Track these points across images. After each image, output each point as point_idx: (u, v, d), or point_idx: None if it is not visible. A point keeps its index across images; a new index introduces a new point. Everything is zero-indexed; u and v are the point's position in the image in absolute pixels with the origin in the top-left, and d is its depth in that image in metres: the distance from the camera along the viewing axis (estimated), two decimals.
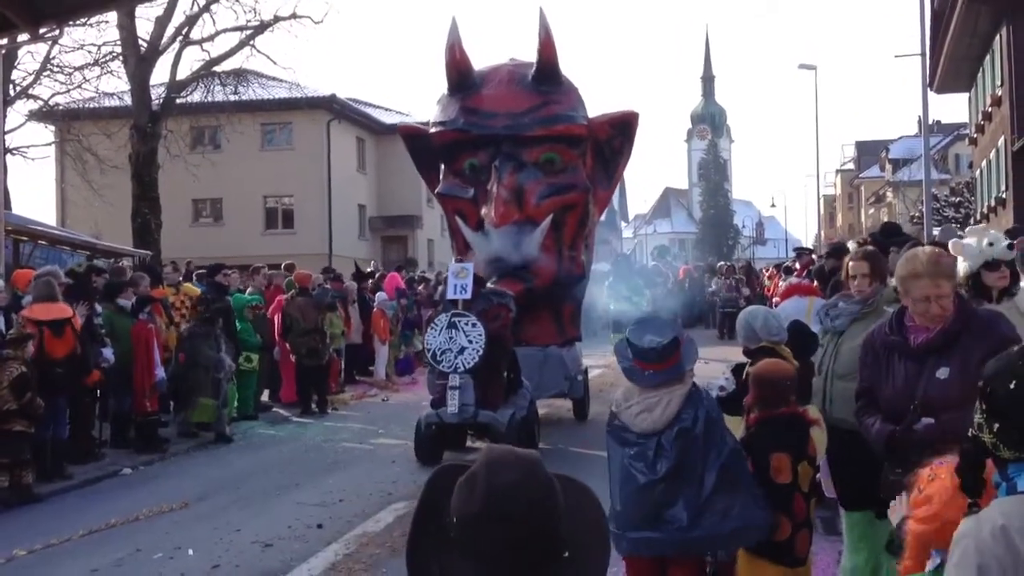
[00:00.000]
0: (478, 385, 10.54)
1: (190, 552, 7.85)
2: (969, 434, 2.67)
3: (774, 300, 18.95)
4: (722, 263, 34.96)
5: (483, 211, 12.38)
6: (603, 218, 16.15)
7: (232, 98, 27.68)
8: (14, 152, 25.26)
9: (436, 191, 13.46)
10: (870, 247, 6.93)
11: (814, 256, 18.28)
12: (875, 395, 4.60)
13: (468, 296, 10.91)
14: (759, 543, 4.82)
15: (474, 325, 10.53)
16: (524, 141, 12.44)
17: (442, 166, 13.28)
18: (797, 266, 18.96)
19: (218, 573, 7.32)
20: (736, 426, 5.29)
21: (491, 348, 10.58)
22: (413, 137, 13.97)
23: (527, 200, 12.28)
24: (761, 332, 6.01)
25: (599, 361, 18.73)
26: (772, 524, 4.81)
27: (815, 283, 10.36)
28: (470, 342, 10.48)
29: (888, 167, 59.01)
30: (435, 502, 2.03)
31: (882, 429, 4.45)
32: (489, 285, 11.49)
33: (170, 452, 12.13)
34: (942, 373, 4.26)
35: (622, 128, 13.39)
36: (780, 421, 4.98)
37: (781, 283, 21.81)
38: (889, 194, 56.01)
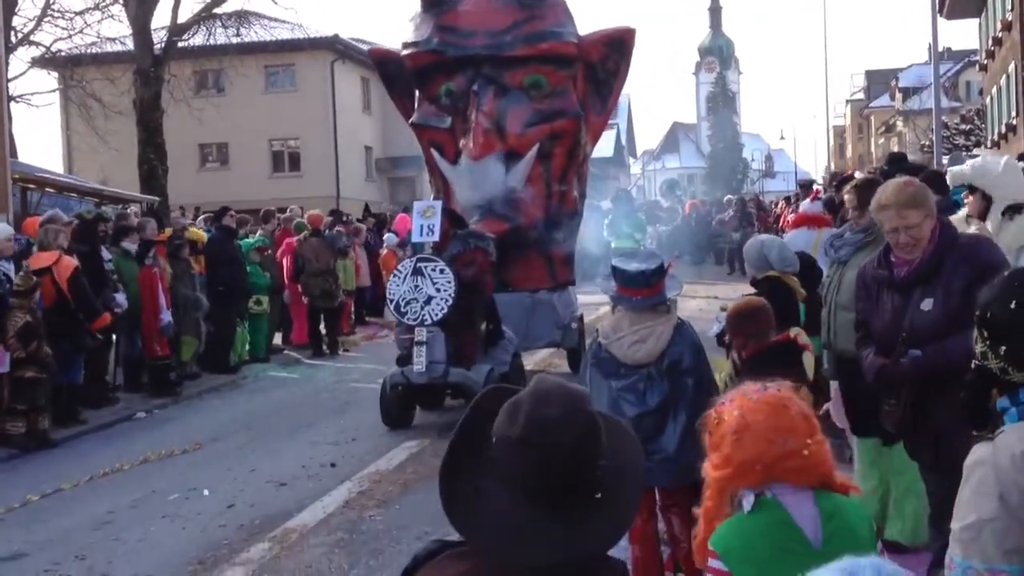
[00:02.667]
0: (450, 339, 9.42)
1: (205, 492, 7.96)
2: (972, 365, 2.65)
3: (781, 231, 18.89)
4: (729, 196, 34.56)
5: (462, 142, 11.17)
6: (611, 154, 15.73)
7: (234, 40, 27.40)
8: (18, 100, 25.10)
9: (410, 121, 12.03)
10: (867, 176, 6.91)
11: (816, 188, 18.05)
12: (869, 327, 4.61)
13: (436, 238, 9.77)
14: None
15: (442, 271, 9.36)
16: (506, 62, 11.13)
17: (417, 93, 11.95)
18: (806, 199, 18.78)
19: (233, 512, 7.42)
20: (722, 366, 5.37)
21: (465, 296, 9.47)
22: (385, 61, 12.48)
23: (510, 129, 11.03)
24: (776, 262, 6.02)
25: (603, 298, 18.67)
26: None
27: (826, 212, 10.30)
28: (438, 290, 9.31)
29: (898, 96, 58.36)
30: (478, 423, 2.04)
31: (873, 362, 4.48)
32: (471, 226, 10.45)
33: (183, 395, 12.23)
34: (926, 304, 4.27)
35: (617, 46, 11.88)
36: (774, 350, 5.05)
37: (789, 216, 21.75)
38: (899, 123, 55.45)
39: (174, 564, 6.36)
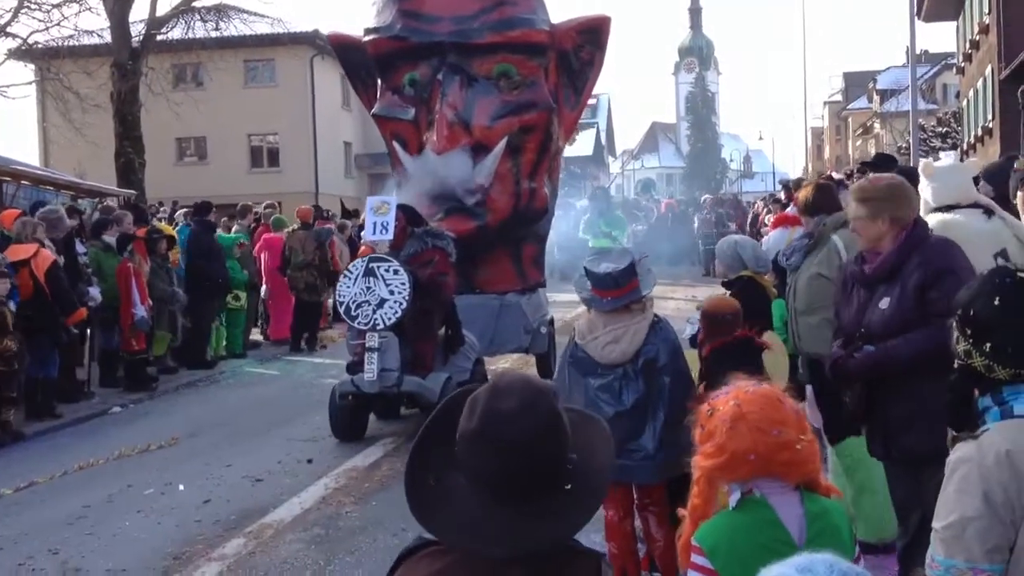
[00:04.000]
0: (405, 345, 8.80)
1: (181, 487, 7.92)
2: (955, 365, 2.67)
3: (760, 231, 18.97)
4: (707, 196, 34.56)
5: (425, 135, 10.45)
6: (590, 153, 15.51)
7: (213, 34, 27.27)
8: None
9: (372, 111, 11.31)
10: (817, 181, 6.98)
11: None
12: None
13: (389, 236, 9.03)
14: None
15: (396, 272, 8.68)
16: (473, 50, 10.43)
17: (379, 82, 11.21)
18: (783, 198, 18.85)
19: (209, 508, 7.39)
20: (696, 364, 5.41)
21: (421, 299, 8.84)
22: (347, 48, 11.64)
23: (477, 121, 10.28)
24: (750, 261, 6.06)
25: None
26: None
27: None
28: (391, 293, 8.63)
29: (876, 98, 58.70)
30: (445, 420, 2.06)
31: (833, 355, 4.56)
32: (433, 224, 9.75)
33: (159, 390, 12.17)
34: (883, 302, 4.32)
35: (592, 35, 11.22)
36: (732, 345, 5.11)
37: (768, 217, 21.86)
38: (877, 125, 55.78)
39: (149, 559, 6.34)
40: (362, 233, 10.43)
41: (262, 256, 15.59)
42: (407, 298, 8.62)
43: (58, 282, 10.31)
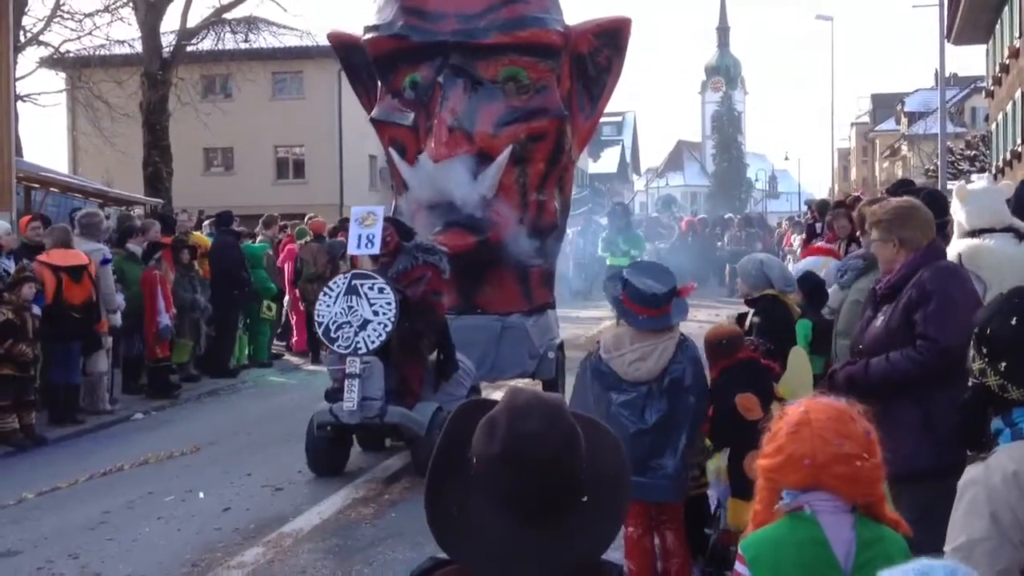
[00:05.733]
0: (391, 371, 8.02)
1: (201, 495, 7.94)
2: (969, 383, 2.65)
3: (785, 252, 18.85)
4: (730, 216, 34.27)
5: (424, 142, 9.70)
6: (615, 171, 15.22)
7: (243, 46, 27.54)
8: (25, 99, 25.14)
9: (370, 116, 10.59)
10: (875, 199, 6.98)
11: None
12: None
13: (375, 250, 8.28)
14: (744, 484, 4.92)
15: (381, 290, 7.89)
16: (479, 51, 9.71)
17: (379, 84, 10.51)
18: (812, 221, 18.62)
19: (229, 516, 7.40)
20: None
21: (410, 320, 8.07)
22: (347, 48, 10.91)
23: (480, 128, 9.54)
24: (778, 281, 6.04)
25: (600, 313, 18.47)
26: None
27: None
28: (375, 314, 7.86)
29: (903, 120, 58.45)
30: (456, 439, 2.02)
31: (831, 369, 4.70)
32: (430, 237, 9.03)
33: (181, 398, 12.22)
34: (878, 320, 4.40)
35: (610, 38, 10.38)
36: (737, 367, 5.13)
37: (794, 237, 21.72)
38: (904, 147, 55.55)
39: (168, 565, 6.34)
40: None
41: (285, 267, 15.66)
42: (392, 319, 7.85)
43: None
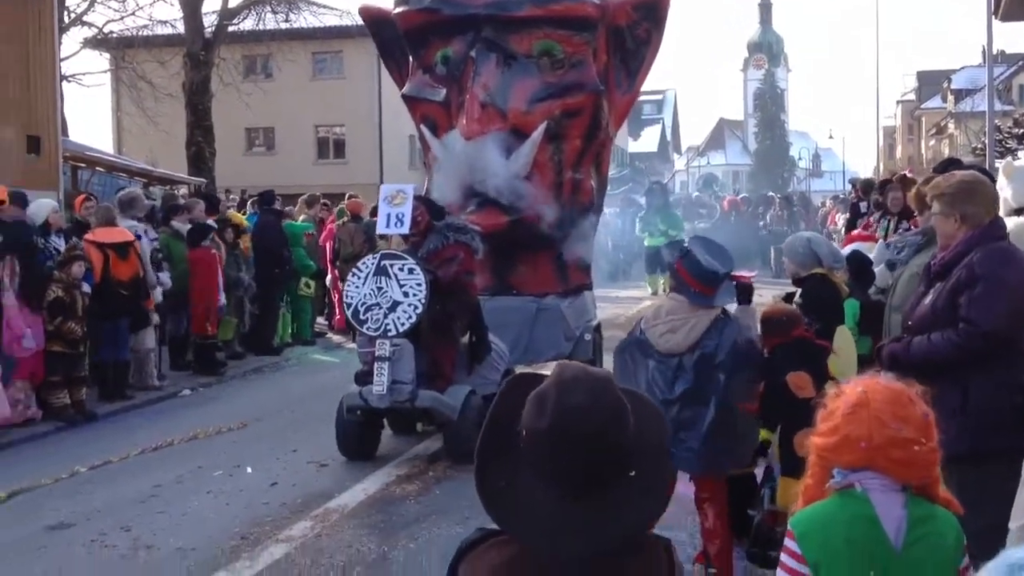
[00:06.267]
0: (421, 354, 7.86)
1: (248, 470, 8.06)
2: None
3: (830, 231, 18.64)
4: (772, 195, 33.83)
5: (456, 119, 9.50)
6: (655, 149, 14.87)
7: (283, 26, 27.65)
8: (70, 79, 25.39)
9: (401, 92, 10.43)
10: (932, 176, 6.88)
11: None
12: None
13: (405, 230, 8.12)
14: (794, 463, 4.92)
15: (411, 271, 7.72)
16: (512, 24, 9.47)
17: (411, 60, 10.33)
18: (856, 200, 18.31)
19: (275, 491, 7.50)
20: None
21: (441, 302, 7.93)
22: (379, 23, 10.67)
23: (513, 104, 9.32)
24: (827, 258, 6.00)
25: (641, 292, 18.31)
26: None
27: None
28: (406, 295, 7.68)
29: (950, 98, 57.56)
30: (505, 414, 2.04)
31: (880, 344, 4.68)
32: (463, 217, 8.81)
33: (227, 375, 12.37)
34: (928, 298, 4.35)
35: (649, 11, 10.09)
36: (791, 345, 5.11)
37: (838, 216, 21.48)
38: (951, 125, 54.72)
39: (217, 538, 6.44)
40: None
41: (327, 245, 15.76)
42: (423, 301, 7.68)
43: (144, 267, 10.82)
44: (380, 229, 8.39)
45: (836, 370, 5.16)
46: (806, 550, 2.45)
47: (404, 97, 10.37)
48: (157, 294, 11.32)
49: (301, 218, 16.01)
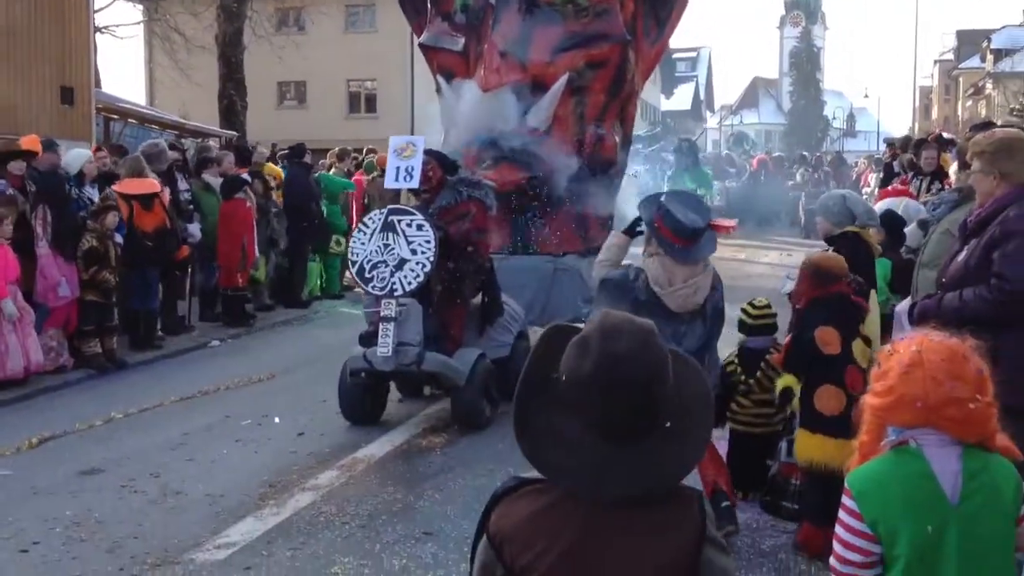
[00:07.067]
0: (429, 314, 7.47)
1: (276, 420, 8.13)
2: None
3: (863, 192, 18.44)
4: (804, 154, 33.35)
5: (474, 70, 9.20)
6: (688, 108, 14.48)
7: None
8: (103, 31, 25.48)
9: (419, 41, 10.10)
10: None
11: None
12: None
13: (414, 184, 7.69)
14: (813, 416, 4.96)
15: (420, 228, 7.31)
16: None
17: (429, 7, 10.00)
18: (890, 159, 18.09)
19: (303, 440, 7.58)
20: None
21: (452, 260, 7.59)
22: None
23: (535, 54, 8.96)
24: (862, 215, 5.95)
25: None
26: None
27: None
28: (414, 252, 7.27)
29: (989, 57, 56.55)
30: (547, 358, 2.06)
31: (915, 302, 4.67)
32: (477, 172, 8.48)
33: (256, 327, 12.46)
34: (962, 255, 4.33)
35: None
36: (827, 299, 5.11)
37: (871, 176, 21.23)
38: (989, 86, 53.81)
39: (245, 485, 6.52)
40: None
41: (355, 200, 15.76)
42: (432, 259, 7.28)
43: (171, 218, 10.78)
44: (388, 183, 7.95)
45: (869, 330, 5.17)
46: (864, 508, 2.45)
47: (421, 46, 10.07)
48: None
49: (332, 171, 15.96)
